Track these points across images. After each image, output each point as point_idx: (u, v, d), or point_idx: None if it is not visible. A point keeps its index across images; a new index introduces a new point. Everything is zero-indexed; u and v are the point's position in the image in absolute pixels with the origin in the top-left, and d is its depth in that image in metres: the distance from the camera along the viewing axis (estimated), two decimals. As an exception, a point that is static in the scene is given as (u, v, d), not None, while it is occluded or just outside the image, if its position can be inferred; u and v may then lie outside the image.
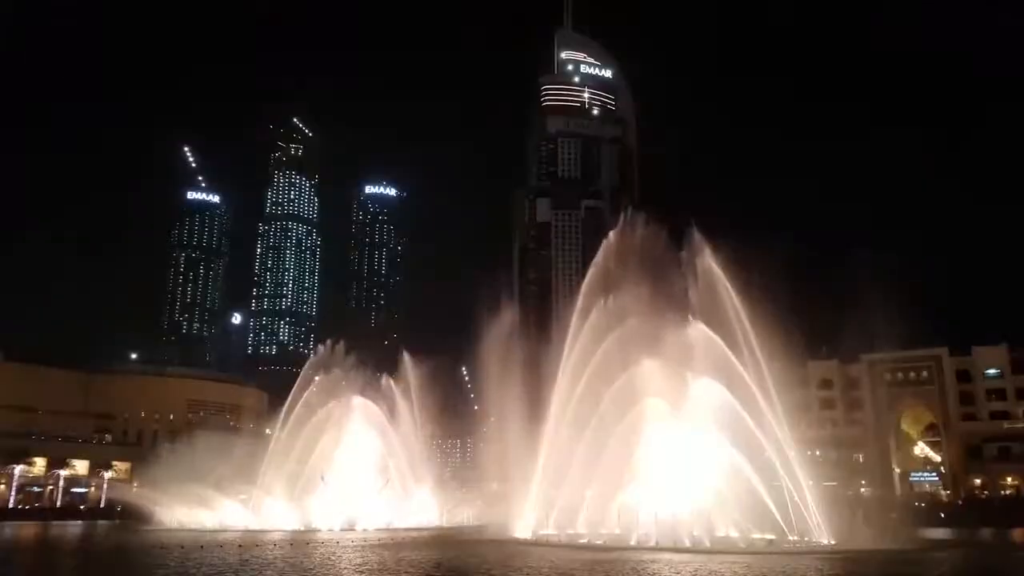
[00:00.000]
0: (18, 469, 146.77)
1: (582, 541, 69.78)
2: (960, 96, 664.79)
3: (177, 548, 61.84)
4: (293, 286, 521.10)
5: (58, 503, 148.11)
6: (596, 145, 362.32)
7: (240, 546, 64.22)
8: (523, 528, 77.94)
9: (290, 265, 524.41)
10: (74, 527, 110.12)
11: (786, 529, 65.42)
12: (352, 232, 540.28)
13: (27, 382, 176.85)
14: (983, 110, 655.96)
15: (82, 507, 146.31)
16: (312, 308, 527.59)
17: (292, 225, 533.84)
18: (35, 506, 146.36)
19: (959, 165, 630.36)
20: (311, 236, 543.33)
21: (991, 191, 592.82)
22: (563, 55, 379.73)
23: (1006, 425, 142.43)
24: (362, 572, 47.47)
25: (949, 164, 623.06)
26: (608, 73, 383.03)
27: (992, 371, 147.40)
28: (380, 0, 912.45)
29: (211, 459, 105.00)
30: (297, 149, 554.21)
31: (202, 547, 62.98)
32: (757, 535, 65.29)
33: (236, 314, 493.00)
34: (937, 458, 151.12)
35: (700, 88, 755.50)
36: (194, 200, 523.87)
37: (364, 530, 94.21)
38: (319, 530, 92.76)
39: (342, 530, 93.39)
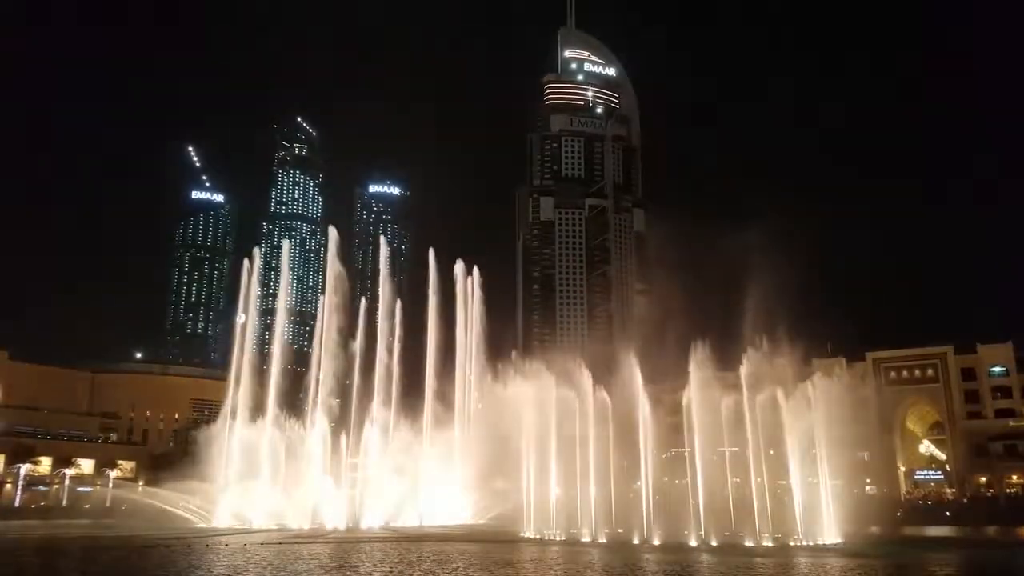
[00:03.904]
0: (24, 468, 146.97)
1: (584, 540, 70.08)
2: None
3: (184, 548, 62.00)
4: (297, 285, 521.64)
5: (63, 502, 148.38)
6: (599, 143, 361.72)
7: (245, 545, 64.27)
8: (528, 527, 78.13)
9: (294, 264, 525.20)
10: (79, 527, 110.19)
11: (797, 528, 65.50)
12: (356, 231, 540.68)
13: (33, 381, 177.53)
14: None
15: (86, 506, 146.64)
16: (316, 307, 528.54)
17: (296, 224, 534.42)
18: (41, 505, 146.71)
19: (962, 164, 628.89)
20: (315, 235, 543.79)
21: (995, 190, 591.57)
22: (566, 53, 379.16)
23: (1011, 423, 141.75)
24: None
25: (952, 163, 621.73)
26: (611, 71, 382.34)
27: (997, 369, 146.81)
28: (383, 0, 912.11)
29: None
30: (301, 148, 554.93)
31: (207, 546, 63.16)
32: (766, 535, 65.23)
33: (241, 313, 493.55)
34: (942, 456, 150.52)
35: (702, 87, 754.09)
36: (198, 199, 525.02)
37: (368, 528, 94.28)
38: (325, 529, 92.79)
39: (347, 529, 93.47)
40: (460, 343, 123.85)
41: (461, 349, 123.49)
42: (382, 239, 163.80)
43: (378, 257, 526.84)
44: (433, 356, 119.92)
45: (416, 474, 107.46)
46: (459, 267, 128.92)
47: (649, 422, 70.08)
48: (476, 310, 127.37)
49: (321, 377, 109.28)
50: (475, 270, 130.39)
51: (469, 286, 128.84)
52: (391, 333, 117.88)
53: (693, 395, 69.04)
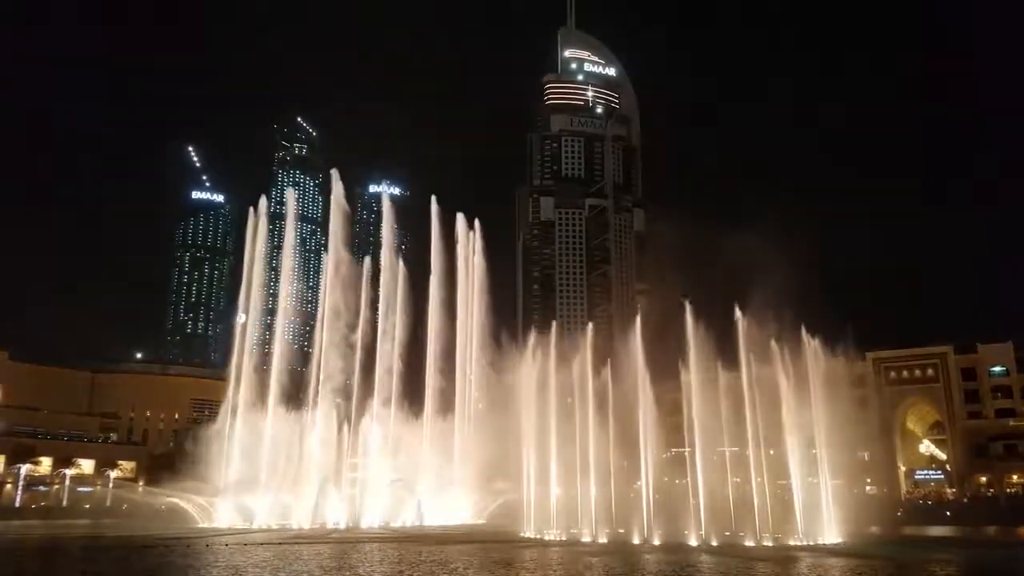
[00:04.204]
0: (24, 468, 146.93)
1: (584, 540, 70.13)
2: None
3: (183, 547, 62.03)
4: (298, 285, 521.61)
5: (64, 502, 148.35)
6: (599, 143, 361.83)
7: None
8: (528, 527, 78.16)
9: (295, 264, 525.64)
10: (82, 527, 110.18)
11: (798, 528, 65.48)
12: (356, 231, 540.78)
13: (33, 382, 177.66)
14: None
15: (87, 506, 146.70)
16: (316, 307, 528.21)
17: (296, 224, 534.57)
18: (41, 505, 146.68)
19: (962, 164, 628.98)
20: (315, 235, 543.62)
21: (996, 189, 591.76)
22: (567, 53, 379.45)
23: (1012, 423, 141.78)
24: None
25: (952, 163, 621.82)
26: (611, 71, 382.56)
27: (997, 369, 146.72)
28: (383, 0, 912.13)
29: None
30: (301, 148, 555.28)
31: (208, 545, 63.18)
32: (766, 535, 65.21)
33: (241, 313, 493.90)
34: (943, 456, 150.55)
35: (702, 87, 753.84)
36: (198, 199, 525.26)
37: (368, 528, 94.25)
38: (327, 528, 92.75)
39: (348, 529, 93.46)
40: (461, 304, 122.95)
41: (463, 308, 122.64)
42: (384, 193, 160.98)
43: (378, 257, 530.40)
44: (436, 315, 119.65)
45: (417, 460, 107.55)
46: (460, 220, 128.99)
47: (650, 403, 69.48)
48: (478, 263, 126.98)
49: (324, 359, 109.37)
50: (476, 223, 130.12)
51: (471, 241, 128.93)
52: (390, 297, 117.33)
53: (692, 368, 68.81)
